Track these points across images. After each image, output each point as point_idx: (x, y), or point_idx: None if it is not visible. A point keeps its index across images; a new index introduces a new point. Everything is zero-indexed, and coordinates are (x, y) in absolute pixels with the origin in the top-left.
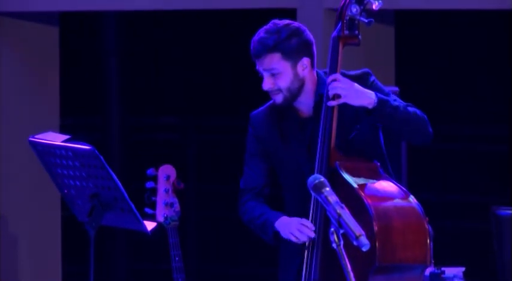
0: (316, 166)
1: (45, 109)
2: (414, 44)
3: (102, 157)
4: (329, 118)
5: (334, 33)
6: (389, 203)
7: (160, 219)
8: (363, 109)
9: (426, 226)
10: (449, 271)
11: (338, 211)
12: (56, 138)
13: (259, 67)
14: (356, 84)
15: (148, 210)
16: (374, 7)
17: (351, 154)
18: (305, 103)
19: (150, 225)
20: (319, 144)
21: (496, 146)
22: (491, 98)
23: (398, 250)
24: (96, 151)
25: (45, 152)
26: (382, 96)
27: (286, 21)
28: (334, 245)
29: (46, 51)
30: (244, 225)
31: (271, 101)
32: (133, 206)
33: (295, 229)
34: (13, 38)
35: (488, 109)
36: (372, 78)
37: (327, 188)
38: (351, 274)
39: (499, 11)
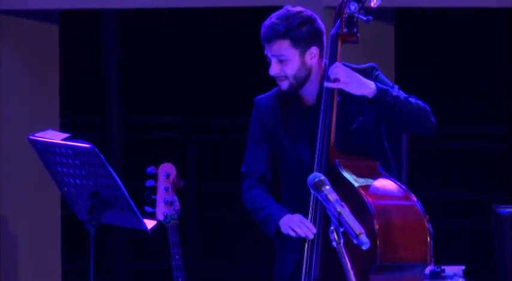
0: (315, 163)
1: (45, 108)
2: (414, 42)
3: (102, 155)
4: (329, 111)
5: (333, 31)
6: (389, 202)
7: (160, 217)
8: (364, 99)
9: (426, 225)
10: (450, 270)
11: (338, 209)
12: (56, 137)
13: (268, 52)
14: (356, 74)
15: (148, 208)
16: (372, 5)
17: (352, 146)
18: (310, 92)
19: (150, 223)
20: (318, 140)
21: (496, 144)
22: (491, 96)
23: (399, 248)
24: (96, 149)
25: (45, 150)
26: (382, 86)
27: (299, 9)
28: (334, 243)
29: (46, 50)
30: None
31: (276, 88)
32: (133, 204)
33: (296, 225)
34: (13, 37)
35: (488, 107)
36: (377, 72)
37: (327, 186)
38: (351, 273)
39: (498, 9)
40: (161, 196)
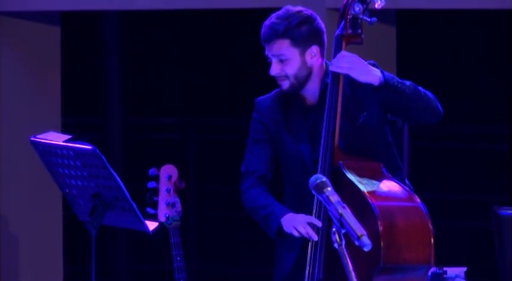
0: (319, 165)
1: (46, 109)
2: (415, 44)
3: (103, 157)
4: (332, 112)
5: (337, 32)
6: (393, 203)
7: (162, 219)
8: (364, 94)
9: (430, 226)
10: (451, 271)
11: (339, 211)
12: (57, 138)
13: (268, 52)
14: (363, 60)
15: (149, 210)
16: (376, 6)
17: (358, 142)
18: (311, 91)
19: (151, 225)
20: (322, 142)
21: (496, 145)
22: (491, 96)
23: (403, 250)
24: (98, 151)
25: (47, 151)
26: (388, 73)
27: (299, 8)
28: (335, 245)
29: (47, 51)
30: (243, 224)
31: (277, 89)
32: (134, 205)
33: (300, 225)
34: (14, 38)
35: (488, 108)
36: (379, 69)
37: (329, 188)
38: (353, 274)
39: (499, 11)
40: (163, 198)
